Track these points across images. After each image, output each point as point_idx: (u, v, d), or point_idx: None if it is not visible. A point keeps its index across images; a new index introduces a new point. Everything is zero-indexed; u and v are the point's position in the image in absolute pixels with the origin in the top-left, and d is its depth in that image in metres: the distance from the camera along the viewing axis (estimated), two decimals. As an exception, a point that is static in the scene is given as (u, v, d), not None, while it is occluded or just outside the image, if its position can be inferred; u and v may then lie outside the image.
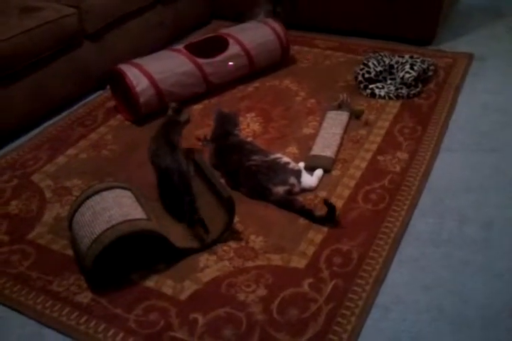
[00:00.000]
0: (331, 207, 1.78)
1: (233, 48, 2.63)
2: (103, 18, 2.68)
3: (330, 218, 1.79)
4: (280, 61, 2.85)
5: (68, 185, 2.08)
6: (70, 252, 1.76)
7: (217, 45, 2.64)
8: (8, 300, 1.61)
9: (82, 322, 1.52)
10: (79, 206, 1.71)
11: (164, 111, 2.43)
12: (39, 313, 1.56)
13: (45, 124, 2.51)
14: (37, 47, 2.35)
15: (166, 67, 2.46)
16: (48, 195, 2.03)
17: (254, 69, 2.74)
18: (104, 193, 1.72)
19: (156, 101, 2.41)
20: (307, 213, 1.83)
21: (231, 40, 2.65)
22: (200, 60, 2.53)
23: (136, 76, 2.36)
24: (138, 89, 2.34)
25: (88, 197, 1.71)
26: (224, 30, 2.78)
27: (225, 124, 2.15)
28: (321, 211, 1.85)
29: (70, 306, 1.57)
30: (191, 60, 2.52)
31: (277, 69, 2.86)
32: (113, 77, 2.48)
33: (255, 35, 2.73)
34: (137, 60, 2.48)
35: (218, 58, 2.58)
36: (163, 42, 3.09)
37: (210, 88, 2.61)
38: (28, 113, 2.44)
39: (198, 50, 2.57)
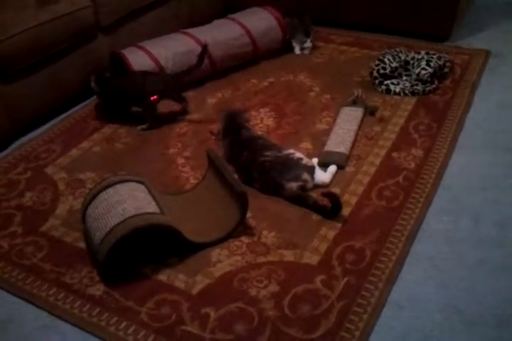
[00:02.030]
0: (333, 198, 1.78)
1: (216, 20, 2.87)
2: (118, 11, 2.68)
3: (335, 210, 1.79)
4: (283, 33, 2.88)
5: (82, 177, 2.08)
6: (82, 245, 1.76)
7: None
8: (21, 291, 1.62)
9: (94, 314, 1.53)
10: (92, 199, 1.71)
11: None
12: (52, 305, 1.57)
13: (59, 117, 2.52)
14: (52, 40, 2.36)
15: (157, 39, 2.68)
16: (61, 187, 2.04)
17: (252, 36, 2.77)
18: (118, 186, 1.72)
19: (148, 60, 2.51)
20: (320, 209, 1.82)
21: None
22: (185, 30, 2.74)
23: (131, 51, 2.54)
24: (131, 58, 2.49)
25: (102, 190, 1.72)
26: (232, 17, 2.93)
27: (235, 119, 2.14)
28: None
29: (82, 298, 1.58)
30: (181, 32, 2.72)
31: (292, 64, 2.85)
32: (116, 63, 2.58)
33: (243, 11, 2.97)
34: (147, 44, 2.63)
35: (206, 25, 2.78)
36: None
37: (213, 60, 2.64)
38: (43, 106, 2.45)
39: None
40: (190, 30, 2.73)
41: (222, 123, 2.18)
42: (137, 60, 2.48)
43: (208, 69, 2.63)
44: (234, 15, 2.90)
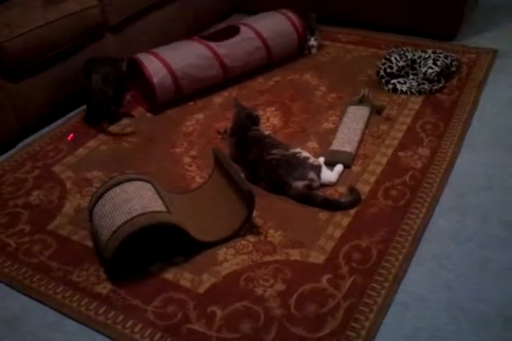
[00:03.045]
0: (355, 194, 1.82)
1: (245, 32, 2.68)
2: (125, 11, 2.69)
3: (353, 202, 1.82)
4: (298, 47, 2.85)
5: (89, 176, 2.09)
6: (89, 243, 1.77)
7: (231, 33, 2.69)
8: (29, 289, 1.63)
9: (101, 312, 1.53)
10: (99, 197, 1.72)
11: (180, 99, 2.50)
12: (59, 303, 1.58)
13: (67, 116, 2.54)
14: (60, 38, 2.37)
15: (179, 52, 2.53)
16: (68, 186, 2.05)
17: (271, 54, 2.74)
18: (125, 185, 1.73)
19: (171, 82, 2.44)
20: (332, 203, 1.83)
21: (242, 27, 2.70)
22: (212, 43, 2.58)
23: (150, 60, 2.43)
24: (151, 70, 2.40)
25: (109, 189, 1.73)
26: (239, 21, 2.82)
27: (245, 119, 2.14)
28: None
29: (89, 296, 1.59)
30: (203, 44, 2.57)
31: (298, 63, 2.84)
32: (130, 66, 2.54)
33: (268, 20, 2.79)
34: (152, 50, 2.54)
35: (230, 41, 2.62)
36: (184, 35, 3.08)
37: (228, 73, 2.61)
38: (50, 104, 2.46)
39: (212, 39, 2.63)
40: (210, 43, 2.60)
41: (233, 119, 2.17)
42: (153, 66, 2.42)
43: (220, 79, 2.62)
44: (252, 21, 2.79)
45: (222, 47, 2.58)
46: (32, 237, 1.81)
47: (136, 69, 2.45)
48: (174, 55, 2.50)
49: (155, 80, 2.39)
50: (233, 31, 2.69)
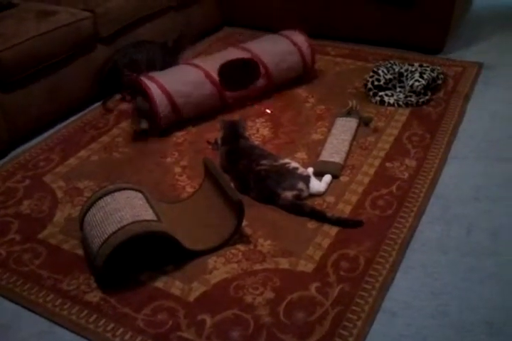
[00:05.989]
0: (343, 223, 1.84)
1: (263, 77, 2.58)
2: (117, 23, 2.73)
3: (339, 222, 1.85)
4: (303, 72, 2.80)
5: (80, 186, 2.10)
6: (80, 252, 1.78)
7: (250, 74, 2.59)
8: (19, 298, 1.64)
9: (91, 320, 1.54)
10: (90, 206, 1.73)
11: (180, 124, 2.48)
12: (49, 311, 1.58)
13: (58, 126, 2.55)
14: (52, 50, 2.40)
15: (188, 90, 2.40)
16: (59, 195, 2.06)
17: (272, 81, 2.66)
18: (116, 194, 1.74)
19: (175, 117, 2.41)
20: (319, 214, 1.85)
21: (261, 66, 2.57)
22: (228, 93, 2.50)
23: (159, 95, 2.32)
24: (162, 115, 2.34)
25: (99, 198, 1.74)
26: (253, 49, 2.62)
27: (234, 129, 2.17)
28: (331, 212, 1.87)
29: (80, 305, 1.59)
30: (219, 90, 2.47)
31: (288, 76, 2.88)
32: (133, 86, 2.49)
33: (282, 58, 2.64)
34: (160, 77, 2.41)
35: (245, 91, 2.57)
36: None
37: (227, 103, 2.57)
38: (42, 115, 2.48)
39: (225, 70, 2.51)
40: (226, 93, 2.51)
41: (221, 131, 2.20)
42: (162, 105, 2.34)
43: (219, 106, 2.55)
44: (267, 56, 2.60)
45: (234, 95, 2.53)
46: (22, 246, 1.82)
47: (137, 87, 2.40)
48: (184, 95, 2.38)
49: (162, 115, 2.34)
50: (252, 72, 2.57)
